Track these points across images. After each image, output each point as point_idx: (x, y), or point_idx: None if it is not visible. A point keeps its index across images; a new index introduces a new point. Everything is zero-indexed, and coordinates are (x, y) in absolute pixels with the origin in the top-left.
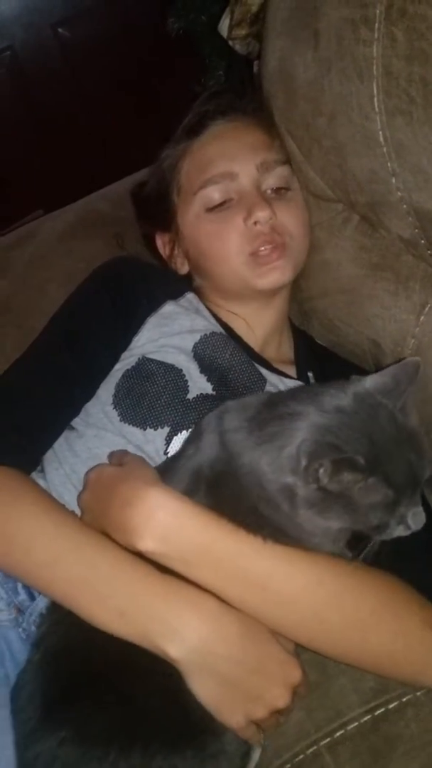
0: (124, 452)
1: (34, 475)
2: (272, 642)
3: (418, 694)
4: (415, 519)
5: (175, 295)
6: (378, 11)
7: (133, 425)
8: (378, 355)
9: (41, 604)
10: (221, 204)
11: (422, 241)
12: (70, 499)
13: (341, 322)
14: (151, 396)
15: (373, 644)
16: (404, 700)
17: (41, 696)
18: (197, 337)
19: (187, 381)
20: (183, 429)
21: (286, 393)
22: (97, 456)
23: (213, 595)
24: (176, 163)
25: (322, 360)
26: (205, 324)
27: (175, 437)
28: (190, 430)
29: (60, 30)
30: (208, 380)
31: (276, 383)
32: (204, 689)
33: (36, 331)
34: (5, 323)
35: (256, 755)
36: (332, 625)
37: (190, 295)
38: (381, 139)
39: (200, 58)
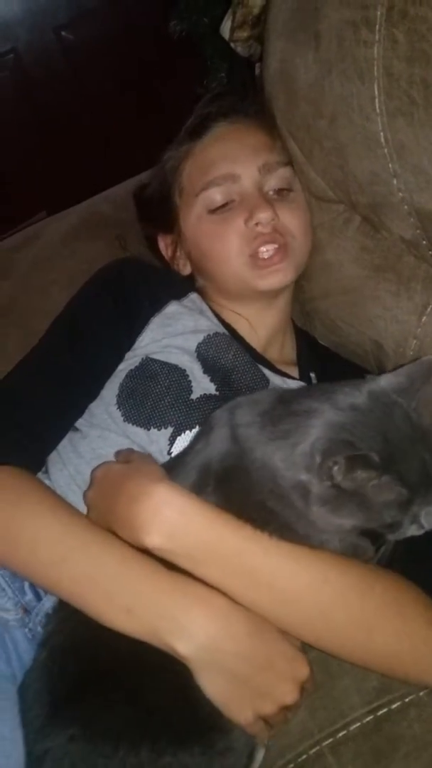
0: (131, 451)
1: (39, 476)
2: (280, 638)
3: (421, 694)
4: (428, 518)
5: (179, 295)
6: (379, 13)
7: (136, 425)
8: (380, 355)
9: (47, 604)
10: (223, 206)
11: (424, 242)
12: (74, 499)
13: (343, 323)
14: (154, 396)
15: (378, 643)
16: (407, 700)
17: (48, 694)
18: (201, 337)
19: (190, 381)
20: (186, 429)
21: (299, 390)
22: (101, 456)
23: (220, 592)
24: (178, 164)
25: (324, 361)
26: (208, 324)
27: (178, 437)
28: (193, 430)
29: (63, 32)
30: (212, 380)
31: (279, 384)
32: (213, 686)
33: (39, 332)
34: (8, 324)
35: (260, 755)
36: (338, 624)
37: (193, 296)
38: (382, 140)
39: (202, 60)
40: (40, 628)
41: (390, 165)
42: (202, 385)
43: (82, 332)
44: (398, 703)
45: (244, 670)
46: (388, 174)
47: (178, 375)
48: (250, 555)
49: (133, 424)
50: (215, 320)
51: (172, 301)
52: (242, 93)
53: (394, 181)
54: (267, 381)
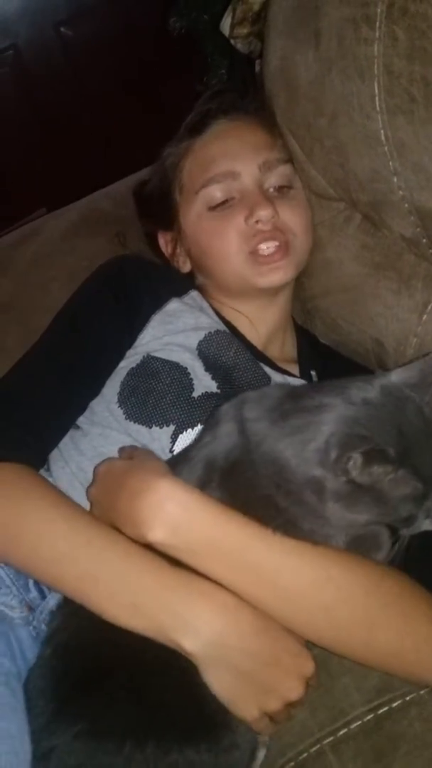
0: (134, 447)
1: (41, 473)
2: (285, 634)
3: (422, 692)
4: None
5: (180, 292)
6: (379, 10)
7: (138, 423)
8: (381, 353)
9: (51, 602)
10: (223, 203)
11: (424, 240)
12: (77, 497)
13: (344, 321)
14: (156, 394)
15: (380, 642)
16: (408, 698)
17: (53, 690)
18: (202, 335)
19: (192, 379)
20: (188, 427)
21: (309, 385)
22: (103, 454)
23: (224, 587)
24: (178, 161)
25: (325, 358)
26: (209, 322)
27: (180, 435)
28: (195, 428)
29: (63, 29)
30: (213, 378)
31: (279, 382)
32: (218, 682)
33: (39, 329)
34: (8, 321)
35: (261, 755)
36: (340, 621)
37: (194, 293)
38: (382, 138)
39: (202, 57)
40: (44, 626)
41: (390, 163)
42: (204, 383)
43: (82, 329)
44: (399, 702)
45: (250, 666)
46: (388, 172)
47: (180, 373)
48: (253, 551)
49: (134, 422)
50: (216, 318)
51: (173, 298)
52: (242, 90)
53: (395, 179)
54: (268, 379)
